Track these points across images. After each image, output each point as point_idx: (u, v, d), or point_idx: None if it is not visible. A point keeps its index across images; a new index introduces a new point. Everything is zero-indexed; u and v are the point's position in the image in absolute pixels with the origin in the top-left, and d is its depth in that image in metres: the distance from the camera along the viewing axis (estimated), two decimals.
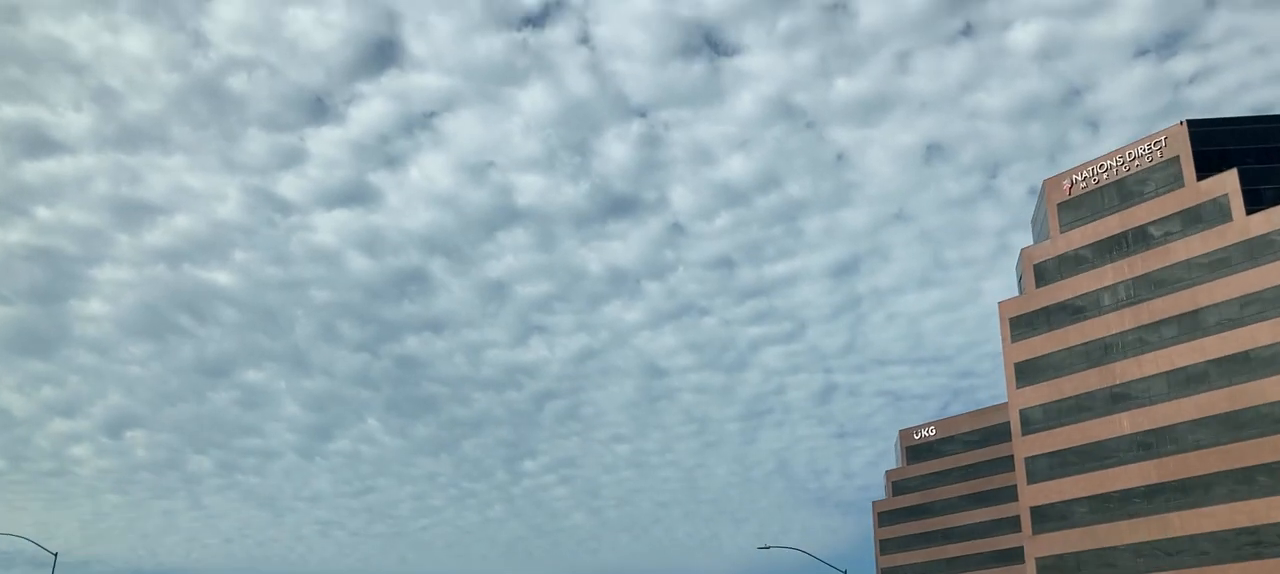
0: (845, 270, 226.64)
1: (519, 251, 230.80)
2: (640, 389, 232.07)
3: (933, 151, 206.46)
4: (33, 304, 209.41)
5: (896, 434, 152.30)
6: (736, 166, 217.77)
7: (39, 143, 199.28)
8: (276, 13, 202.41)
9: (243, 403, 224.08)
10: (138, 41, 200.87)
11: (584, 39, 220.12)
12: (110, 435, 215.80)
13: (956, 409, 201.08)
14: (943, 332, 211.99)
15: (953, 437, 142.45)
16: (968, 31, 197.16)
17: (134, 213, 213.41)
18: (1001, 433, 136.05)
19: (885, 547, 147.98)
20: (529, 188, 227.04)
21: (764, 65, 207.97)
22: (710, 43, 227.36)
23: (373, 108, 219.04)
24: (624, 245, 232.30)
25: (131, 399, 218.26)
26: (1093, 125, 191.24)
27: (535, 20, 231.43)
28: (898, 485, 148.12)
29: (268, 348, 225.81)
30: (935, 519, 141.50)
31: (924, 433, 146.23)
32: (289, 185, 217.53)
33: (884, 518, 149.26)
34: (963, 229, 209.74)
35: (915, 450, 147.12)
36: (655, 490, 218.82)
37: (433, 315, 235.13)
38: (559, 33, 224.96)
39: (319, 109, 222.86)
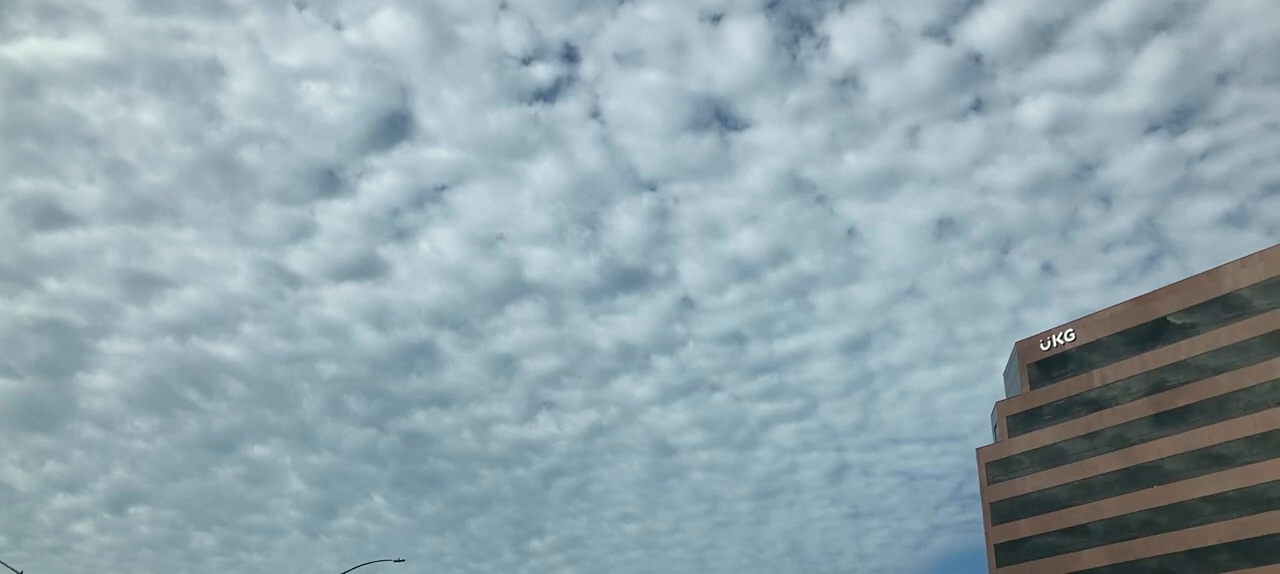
0: (857, 346, 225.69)
1: (528, 326, 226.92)
2: (649, 467, 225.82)
3: (944, 227, 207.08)
4: (40, 377, 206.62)
5: (1012, 349, 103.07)
6: (747, 241, 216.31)
7: (51, 215, 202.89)
8: (289, 86, 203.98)
9: (248, 479, 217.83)
10: (151, 115, 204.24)
11: (594, 113, 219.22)
12: (113, 512, 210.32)
13: (972, 490, 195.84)
14: (957, 409, 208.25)
15: (1109, 338, 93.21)
16: (978, 107, 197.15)
17: (144, 286, 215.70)
18: (1198, 320, 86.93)
19: (999, 513, 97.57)
20: (538, 261, 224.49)
21: (774, 139, 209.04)
22: (720, 117, 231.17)
23: (384, 181, 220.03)
24: (633, 320, 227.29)
25: (136, 475, 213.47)
26: (1105, 201, 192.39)
27: (546, 94, 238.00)
28: (1016, 421, 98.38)
29: (274, 423, 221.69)
30: (1082, 464, 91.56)
31: (1059, 339, 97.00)
32: (299, 259, 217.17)
33: (995, 470, 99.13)
34: (975, 305, 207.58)
35: (1044, 367, 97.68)
36: (665, 571, 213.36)
37: (441, 390, 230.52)
38: (570, 107, 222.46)
39: (330, 182, 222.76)
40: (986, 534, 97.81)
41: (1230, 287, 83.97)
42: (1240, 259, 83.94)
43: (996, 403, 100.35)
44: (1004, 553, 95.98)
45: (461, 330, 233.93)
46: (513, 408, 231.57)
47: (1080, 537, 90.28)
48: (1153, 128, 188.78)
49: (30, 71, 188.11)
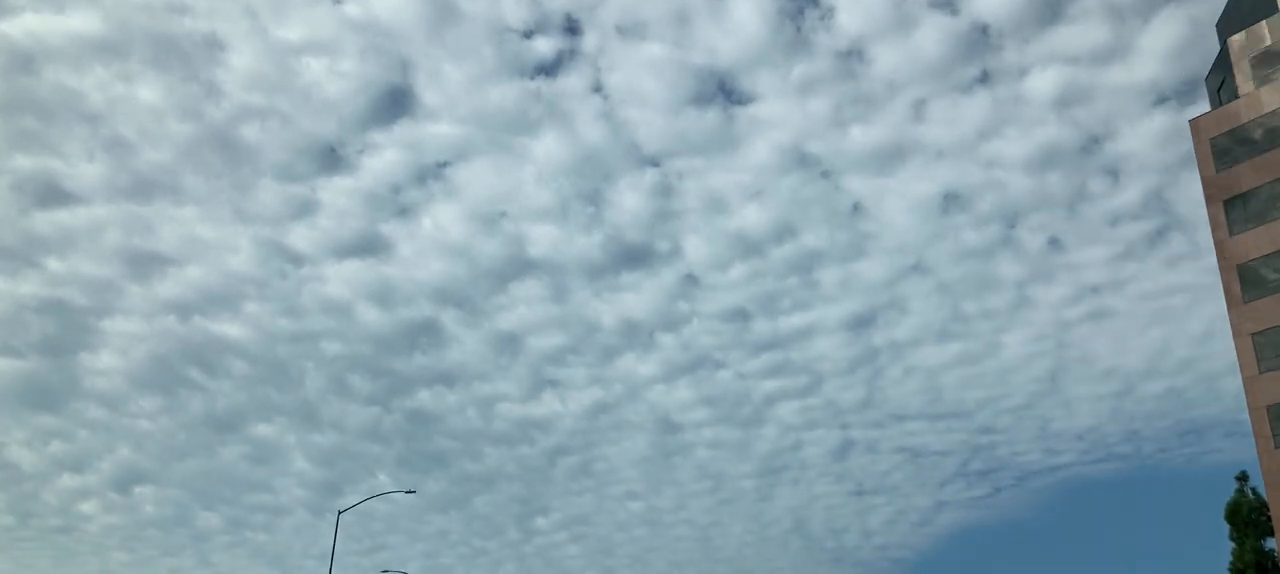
0: (862, 323, 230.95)
1: (531, 303, 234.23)
2: (654, 445, 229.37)
3: (950, 201, 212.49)
4: (43, 357, 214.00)
5: None
6: (751, 216, 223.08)
7: (51, 193, 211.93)
8: (289, 62, 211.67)
9: (252, 458, 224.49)
10: (150, 91, 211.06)
11: (597, 87, 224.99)
12: (119, 491, 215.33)
13: (978, 467, 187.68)
14: (962, 386, 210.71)
15: None
16: (984, 79, 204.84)
17: (145, 264, 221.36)
18: None
19: (1243, 213, 55.15)
20: (542, 238, 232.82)
21: (778, 113, 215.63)
22: (723, 90, 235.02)
23: (385, 157, 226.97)
24: (637, 297, 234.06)
25: (140, 454, 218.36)
26: (1112, 174, 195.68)
27: (548, 68, 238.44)
28: (1267, 62, 56.15)
29: (278, 402, 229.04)
30: None
31: None
32: (300, 236, 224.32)
33: (1231, 145, 56.78)
34: (981, 281, 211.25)
35: None
36: (669, 549, 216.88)
37: (444, 368, 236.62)
38: (572, 81, 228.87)
39: (331, 159, 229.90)
40: (1218, 250, 55.35)
41: None
42: None
43: (1228, 40, 58.33)
44: (1255, 279, 53.46)
45: (465, 308, 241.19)
46: (517, 386, 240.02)
47: None
48: (1161, 99, 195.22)
49: (28, 48, 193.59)
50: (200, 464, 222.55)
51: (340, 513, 51.58)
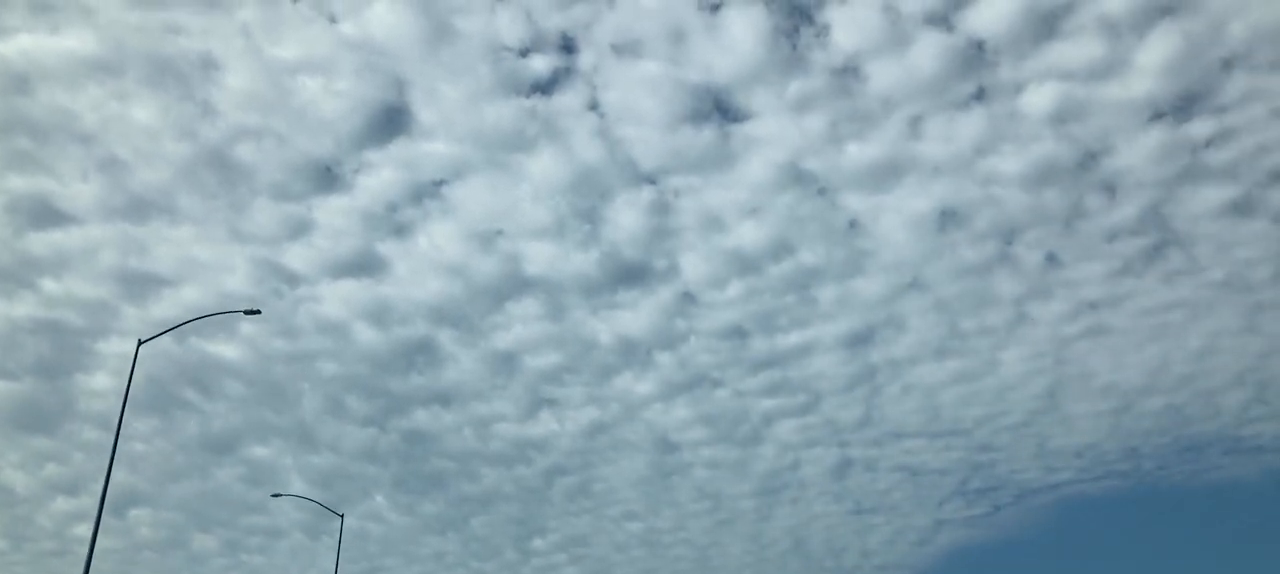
0: (860, 341, 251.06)
1: (528, 322, 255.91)
2: (652, 464, 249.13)
3: (947, 218, 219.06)
4: (38, 379, 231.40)
5: None
6: (748, 234, 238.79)
7: (46, 214, 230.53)
8: (285, 81, 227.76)
9: (248, 480, 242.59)
10: (145, 111, 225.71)
11: (593, 105, 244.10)
12: (114, 514, 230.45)
13: (977, 485, 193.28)
14: (960, 404, 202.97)
15: None
16: (980, 95, 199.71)
17: (141, 285, 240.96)
18: None
19: None
20: (538, 256, 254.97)
21: (774, 131, 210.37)
22: (719, 108, 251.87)
23: (381, 176, 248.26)
24: (634, 315, 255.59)
25: (136, 477, 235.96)
26: (1109, 190, 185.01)
27: (544, 87, 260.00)
28: None
29: (274, 423, 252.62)
30: None
31: None
32: (296, 256, 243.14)
33: None
34: (979, 298, 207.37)
35: None
36: (668, 570, 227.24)
37: (441, 388, 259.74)
38: (568, 99, 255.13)
39: (327, 178, 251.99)
40: None
41: None
42: None
43: None
44: None
45: (461, 327, 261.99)
46: (514, 405, 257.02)
47: None
48: (1157, 115, 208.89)
49: (22, 68, 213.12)
50: (196, 486, 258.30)
51: (141, 342, 50.24)
